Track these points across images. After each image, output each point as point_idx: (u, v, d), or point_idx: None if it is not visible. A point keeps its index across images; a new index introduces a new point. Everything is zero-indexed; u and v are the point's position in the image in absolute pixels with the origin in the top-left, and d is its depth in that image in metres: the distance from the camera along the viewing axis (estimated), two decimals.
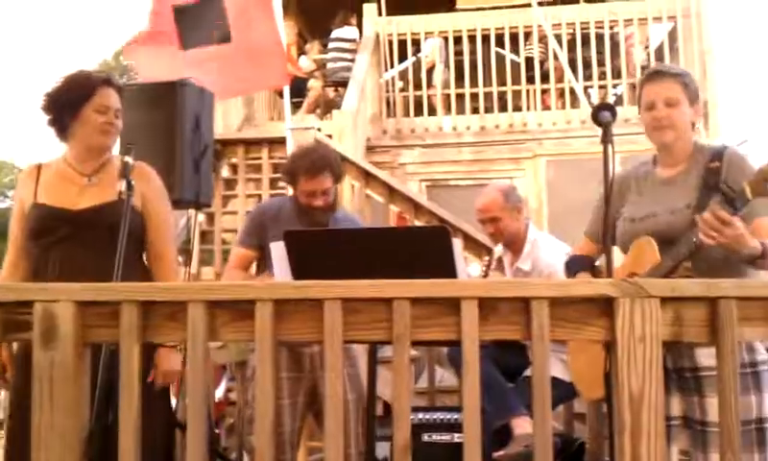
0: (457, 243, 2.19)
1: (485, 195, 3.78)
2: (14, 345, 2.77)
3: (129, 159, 2.62)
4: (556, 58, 8.45)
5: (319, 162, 3.34)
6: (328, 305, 1.79)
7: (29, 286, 2.31)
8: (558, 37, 8.51)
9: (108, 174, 2.80)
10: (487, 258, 3.87)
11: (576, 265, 2.72)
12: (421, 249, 2.18)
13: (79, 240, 2.72)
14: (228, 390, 5.74)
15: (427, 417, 3.78)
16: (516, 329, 1.82)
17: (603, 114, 2.36)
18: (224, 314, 1.83)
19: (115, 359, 1.89)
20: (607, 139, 2.31)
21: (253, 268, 3.53)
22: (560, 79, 8.52)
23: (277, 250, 2.36)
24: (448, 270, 2.13)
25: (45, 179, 2.85)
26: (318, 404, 3.26)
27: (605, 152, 2.28)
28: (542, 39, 8.56)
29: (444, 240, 2.15)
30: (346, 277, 1.84)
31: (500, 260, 3.80)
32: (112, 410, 1.97)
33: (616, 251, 2.57)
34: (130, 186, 2.52)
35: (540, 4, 8.54)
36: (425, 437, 3.65)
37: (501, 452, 3.24)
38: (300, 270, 2.25)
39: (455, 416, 3.67)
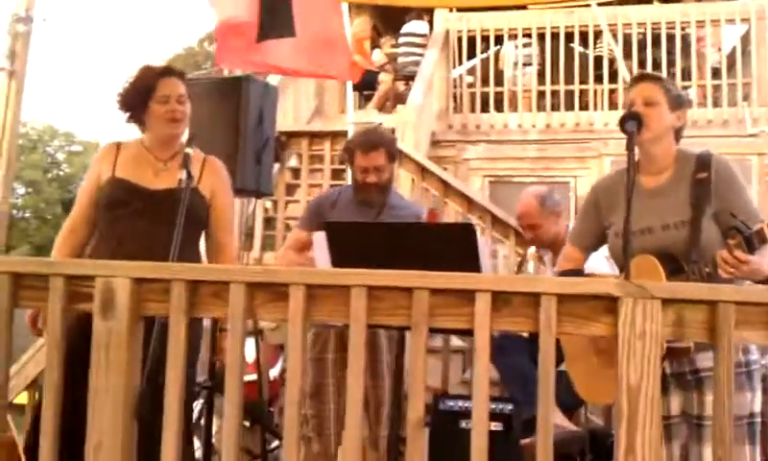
0: (482, 241, 2.34)
1: (522, 202, 3.90)
2: None
3: (189, 150, 2.86)
4: (627, 57, 8.43)
5: (374, 139, 3.59)
6: (355, 292, 1.97)
7: (91, 262, 2.56)
8: (628, 37, 8.50)
9: (180, 161, 3.03)
10: (519, 258, 4.00)
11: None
12: (449, 244, 2.35)
13: (148, 217, 2.95)
14: (284, 370, 5.99)
15: (468, 405, 3.92)
16: (527, 322, 1.97)
17: (629, 123, 2.48)
18: (261, 295, 2.03)
19: (167, 330, 2.12)
20: (631, 146, 2.43)
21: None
22: None
23: (319, 239, 2.56)
24: (473, 265, 2.28)
25: (124, 157, 3.09)
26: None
27: (629, 159, 2.40)
28: (615, 38, 8.54)
29: (470, 237, 2.31)
30: (378, 267, 2.01)
31: (542, 259, 3.93)
32: (162, 375, 2.18)
33: (604, 263, 2.68)
34: (189, 176, 2.74)
35: (608, 4, 8.52)
36: (464, 424, 3.81)
37: (528, 440, 3.39)
38: (337, 258, 2.44)
39: (492, 406, 3.81)
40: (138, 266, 2.10)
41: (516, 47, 8.79)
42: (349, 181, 5.23)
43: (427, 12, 9.38)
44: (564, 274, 2.86)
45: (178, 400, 2.03)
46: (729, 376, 1.87)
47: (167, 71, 3.10)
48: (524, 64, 8.81)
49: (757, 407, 2.49)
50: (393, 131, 6.65)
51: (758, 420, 2.48)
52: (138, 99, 3.04)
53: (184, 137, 3.18)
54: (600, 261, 3.10)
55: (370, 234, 2.51)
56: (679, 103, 2.71)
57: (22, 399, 4.82)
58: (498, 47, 8.94)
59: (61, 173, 39.68)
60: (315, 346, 3.57)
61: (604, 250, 3.51)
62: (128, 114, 3.09)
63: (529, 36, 8.74)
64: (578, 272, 2.81)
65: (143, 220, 2.94)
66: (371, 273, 1.98)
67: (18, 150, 5.24)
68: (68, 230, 3.12)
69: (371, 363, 3.39)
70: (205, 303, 2.07)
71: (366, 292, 1.97)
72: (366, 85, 9.08)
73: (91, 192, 3.09)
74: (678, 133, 2.72)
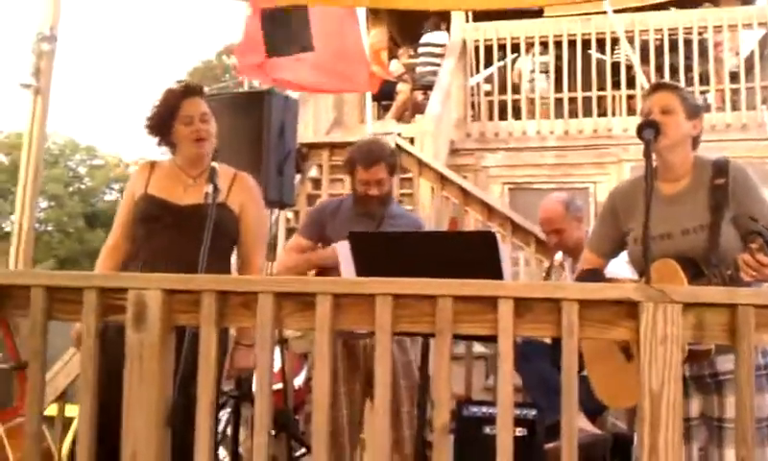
0: (504, 248, 2.38)
1: (546, 207, 3.95)
2: None
3: (215, 164, 2.93)
4: (644, 63, 8.45)
5: (374, 154, 3.67)
6: (380, 300, 2.02)
7: (124, 276, 2.63)
8: (645, 44, 8.52)
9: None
10: (547, 265, 4.04)
11: (590, 280, 2.85)
12: (471, 252, 2.39)
13: (178, 230, 3.03)
14: (308, 379, 6.05)
15: (491, 411, 3.95)
16: (549, 327, 2.00)
17: (647, 131, 2.51)
18: (289, 305, 2.09)
19: (197, 341, 2.17)
20: (648, 153, 2.46)
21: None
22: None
23: (343, 249, 2.61)
24: (495, 272, 2.33)
25: (157, 174, 3.19)
26: (373, 391, 3.52)
27: (646, 166, 2.43)
28: (632, 44, 8.56)
29: (492, 244, 2.35)
30: (402, 275, 2.06)
31: (562, 265, 3.97)
32: (193, 386, 2.23)
33: (626, 268, 2.71)
34: (215, 189, 2.81)
35: (624, 10, 8.55)
36: (487, 429, 3.84)
37: (552, 445, 3.41)
38: (361, 267, 2.49)
39: (516, 411, 3.84)
40: (169, 278, 2.16)
41: (534, 54, 8.84)
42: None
43: (445, 22, 9.44)
44: (582, 276, 2.91)
45: (209, 409, 2.09)
46: (750, 378, 1.90)
47: (188, 92, 3.17)
48: (541, 72, 8.85)
49: None
50: (412, 140, 6.73)
51: None
52: (163, 123, 3.14)
53: None
54: (622, 266, 3.13)
55: (393, 244, 2.56)
56: (696, 111, 2.75)
57: (52, 410, 4.89)
58: (515, 55, 8.98)
59: (83, 187, 40.05)
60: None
61: (625, 255, 3.54)
62: (157, 138, 3.18)
63: (545, 44, 8.78)
64: (597, 272, 2.84)
65: (173, 234, 3.02)
66: (395, 281, 2.03)
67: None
68: (111, 246, 3.21)
69: None
70: (235, 314, 2.13)
71: (391, 300, 2.02)
72: (384, 96, 9.13)
73: (129, 209, 3.19)
74: (695, 141, 2.76)
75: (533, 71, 8.89)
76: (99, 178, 40.33)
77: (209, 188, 2.80)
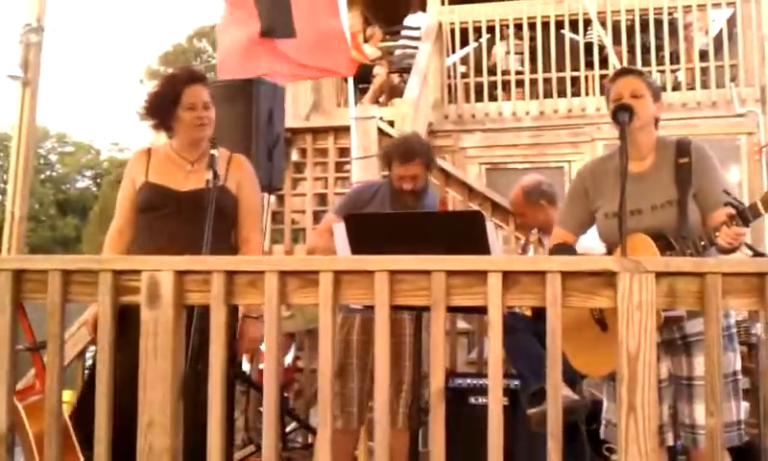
0: (491, 225, 2.55)
1: (512, 193, 4.19)
2: None
3: (214, 151, 3.06)
4: (617, 43, 8.64)
5: (410, 151, 3.79)
6: (378, 276, 2.17)
7: (138, 258, 2.75)
8: (617, 24, 8.70)
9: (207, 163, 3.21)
10: (522, 240, 4.24)
11: (562, 253, 3.04)
12: (460, 230, 2.56)
13: (182, 217, 3.15)
14: (296, 358, 6.22)
15: (475, 382, 4.17)
16: (535, 298, 2.16)
17: (621, 114, 2.69)
18: (293, 282, 2.23)
19: (205, 319, 2.32)
20: (624, 136, 2.64)
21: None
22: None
23: (339, 230, 2.76)
24: (483, 248, 2.49)
25: (155, 161, 3.30)
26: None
27: (622, 148, 2.61)
28: (604, 25, 8.74)
29: (480, 223, 2.52)
30: (394, 253, 2.22)
31: (540, 241, 4.16)
32: (202, 360, 2.38)
33: (599, 242, 2.92)
34: (215, 175, 2.94)
35: None
36: (472, 400, 4.05)
37: (534, 410, 3.61)
38: (356, 246, 2.65)
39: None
40: (180, 260, 2.30)
41: (508, 37, 8.99)
42: (353, 176, 5.46)
43: (421, 5, 9.56)
44: (554, 251, 3.10)
45: (221, 381, 2.23)
46: (718, 339, 2.08)
47: (192, 78, 3.27)
48: (516, 53, 9.01)
49: (738, 365, 2.79)
50: (391, 123, 6.87)
51: (740, 377, 2.77)
52: (165, 107, 3.23)
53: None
54: (596, 240, 3.32)
55: (386, 224, 2.72)
56: (658, 94, 2.97)
57: None
58: (489, 36, 9.12)
59: (55, 174, 39.76)
60: (342, 329, 3.81)
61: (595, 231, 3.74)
62: (154, 121, 3.27)
63: (520, 26, 8.94)
64: (567, 246, 3.04)
65: (176, 220, 3.14)
66: (392, 258, 2.18)
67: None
68: (116, 232, 3.33)
69: (395, 345, 3.59)
70: (242, 292, 2.26)
71: (388, 276, 2.17)
72: (360, 79, 9.25)
73: (130, 197, 3.30)
74: (657, 122, 2.98)
75: (508, 53, 9.04)
76: (70, 164, 40.03)
77: (210, 175, 2.93)
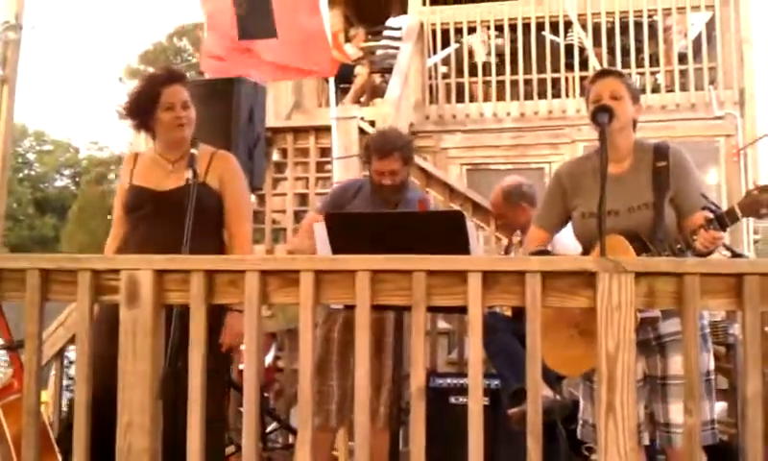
0: (471, 225, 2.56)
1: (492, 195, 4.22)
2: None
3: (194, 150, 3.05)
4: (597, 45, 8.68)
5: (388, 145, 3.77)
6: (359, 276, 2.17)
7: (117, 257, 2.75)
8: (597, 26, 8.75)
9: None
10: (506, 241, 4.27)
11: None
12: (440, 230, 2.56)
13: (161, 217, 3.16)
14: (277, 357, 6.21)
15: (455, 382, 4.17)
16: (515, 298, 2.18)
17: (601, 115, 2.71)
18: (274, 281, 2.23)
19: (184, 318, 2.31)
20: (604, 137, 2.66)
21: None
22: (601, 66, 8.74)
23: (320, 229, 2.76)
24: (463, 248, 2.50)
25: (140, 164, 3.34)
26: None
27: (601, 150, 2.63)
28: (584, 27, 8.78)
29: (460, 223, 2.52)
30: (375, 252, 2.22)
31: (521, 243, 4.18)
32: (182, 359, 2.37)
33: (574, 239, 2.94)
34: (195, 174, 2.93)
35: None
36: (452, 399, 4.06)
37: (515, 409, 3.63)
38: (337, 246, 2.65)
39: None
40: (160, 259, 2.29)
41: (489, 38, 9.02)
42: (334, 176, 5.44)
43: (403, 5, 9.57)
44: (536, 254, 3.09)
45: (201, 381, 2.22)
46: (695, 339, 2.10)
47: (170, 78, 3.27)
48: (497, 54, 9.04)
49: (711, 366, 2.83)
50: (372, 123, 6.87)
51: (713, 377, 2.80)
52: (144, 108, 3.23)
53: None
54: (572, 239, 3.34)
55: (367, 224, 2.72)
56: (637, 97, 2.99)
57: None
58: (472, 35, 9.14)
59: (33, 173, 39.42)
60: (324, 324, 3.80)
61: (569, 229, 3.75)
62: (134, 122, 3.27)
63: (501, 28, 8.96)
64: (544, 252, 3.06)
65: (153, 221, 3.16)
66: (374, 258, 2.19)
67: None
68: (112, 238, 3.37)
69: (377, 344, 3.59)
70: (222, 291, 2.26)
71: (369, 276, 2.17)
72: (341, 79, 9.25)
73: (120, 202, 3.35)
74: (634, 125, 2.99)
75: (489, 54, 9.07)
76: (49, 163, 39.71)
77: (189, 174, 2.92)
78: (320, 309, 4.02)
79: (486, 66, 9.01)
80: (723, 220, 2.66)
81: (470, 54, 9.05)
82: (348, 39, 10.63)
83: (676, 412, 2.71)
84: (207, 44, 5.73)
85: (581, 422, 3.01)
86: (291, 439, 4.91)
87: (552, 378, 3.74)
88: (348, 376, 3.71)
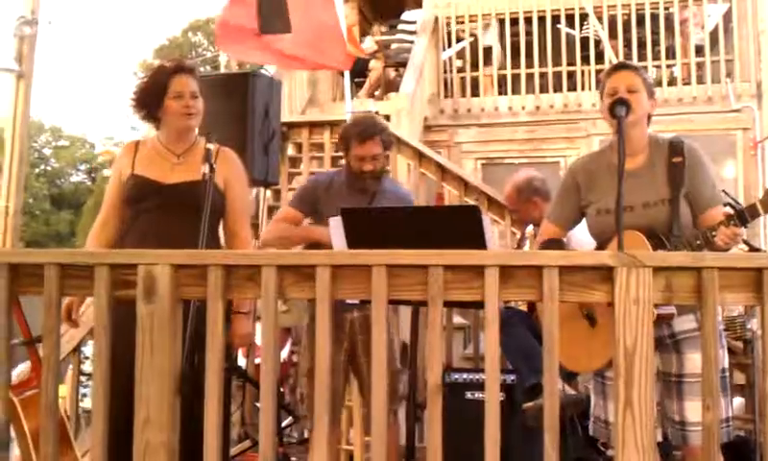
0: (486, 219, 2.55)
1: (506, 188, 4.21)
2: None
3: (210, 145, 3.04)
4: (612, 37, 8.63)
5: (369, 130, 3.76)
6: (376, 270, 2.16)
7: (134, 252, 2.75)
8: (613, 19, 8.69)
9: (194, 155, 3.21)
10: (518, 235, 4.26)
11: (552, 249, 3.04)
12: (456, 224, 2.56)
13: (166, 210, 3.15)
14: (292, 352, 6.21)
15: (471, 377, 4.16)
16: (531, 292, 2.17)
17: (619, 108, 2.69)
18: (290, 276, 2.22)
19: (201, 313, 2.31)
20: (621, 130, 2.64)
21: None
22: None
23: (335, 223, 2.76)
24: (479, 242, 2.50)
25: (142, 154, 3.30)
26: (355, 365, 3.67)
27: (619, 143, 2.61)
28: (600, 19, 8.73)
29: (476, 217, 2.52)
30: (391, 247, 2.21)
31: (535, 236, 4.17)
32: (199, 354, 2.38)
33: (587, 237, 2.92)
34: (212, 169, 2.93)
35: None
36: (468, 395, 4.05)
37: (530, 404, 3.62)
38: (353, 240, 2.65)
39: None
40: (178, 254, 2.29)
41: (504, 31, 8.98)
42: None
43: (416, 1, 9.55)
44: (544, 245, 3.09)
45: (218, 377, 2.23)
46: (715, 334, 2.09)
47: (179, 69, 3.27)
48: (512, 48, 9.00)
49: (726, 363, 2.82)
50: (388, 117, 6.85)
51: (728, 374, 2.81)
52: (153, 97, 3.23)
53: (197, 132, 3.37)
54: (587, 235, 3.32)
55: (383, 218, 2.72)
56: (653, 91, 2.97)
57: None
58: (487, 28, 9.10)
59: (49, 168, 39.65)
60: (312, 329, 3.77)
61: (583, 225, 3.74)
62: (143, 112, 3.27)
63: (516, 21, 8.92)
64: (557, 242, 3.05)
65: (160, 213, 3.13)
66: (390, 253, 2.18)
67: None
68: (100, 223, 3.32)
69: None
70: (239, 286, 2.26)
71: (385, 270, 2.17)
72: (356, 73, 9.23)
73: (116, 189, 3.30)
74: (649, 119, 2.98)
75: (504, 47, 9.03)
76: (65, 159, 39.93)
77: (206, 168, 2.91)
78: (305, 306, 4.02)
79: (501, 60, 8.97)
80: (743, 216, 2.64)
81: (486, 50, 9.02)
82: (365, 33, 10.61)
83: (691, 410, 2.70)
84: (227, 15, 5.66)
85: (592, 418, 3.00)
86: (306, 434, 4.92)
87: (569, 373, 3.74)
88: (338, 374, 3.69)
